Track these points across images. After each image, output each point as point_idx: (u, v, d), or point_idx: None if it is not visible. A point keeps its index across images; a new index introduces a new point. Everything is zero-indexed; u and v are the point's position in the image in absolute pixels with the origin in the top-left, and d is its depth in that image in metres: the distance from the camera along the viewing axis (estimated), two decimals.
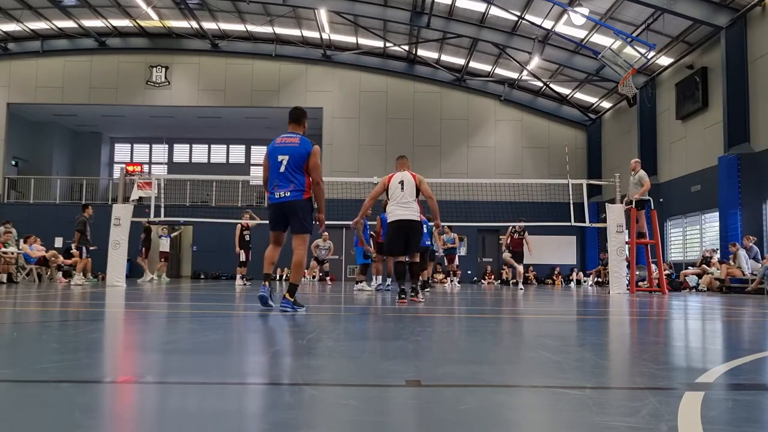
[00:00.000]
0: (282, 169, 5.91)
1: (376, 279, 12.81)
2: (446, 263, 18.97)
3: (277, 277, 19.69)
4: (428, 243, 12.26)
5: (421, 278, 12.73)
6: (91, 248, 14.72)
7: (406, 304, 7.25)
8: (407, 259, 8.08)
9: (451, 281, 19.06)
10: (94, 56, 25.92)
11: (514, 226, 15.38)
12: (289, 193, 5.89)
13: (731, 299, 11.26)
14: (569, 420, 1.83)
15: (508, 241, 15.49)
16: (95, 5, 22.57)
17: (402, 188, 7.68)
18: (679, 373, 2.78)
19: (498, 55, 23.28)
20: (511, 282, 15.94)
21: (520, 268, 15.60)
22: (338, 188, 19.93)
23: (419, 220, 7.81)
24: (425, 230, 10.94)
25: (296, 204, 5.88)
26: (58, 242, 21.98)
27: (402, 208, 7.68)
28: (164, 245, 19.48)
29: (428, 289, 12.34)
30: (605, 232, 14.15)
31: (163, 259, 19.51)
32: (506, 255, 15.84)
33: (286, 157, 5.92)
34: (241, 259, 15.25)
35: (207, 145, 31.27)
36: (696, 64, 18.27)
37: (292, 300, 5.78)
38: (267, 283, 6.04)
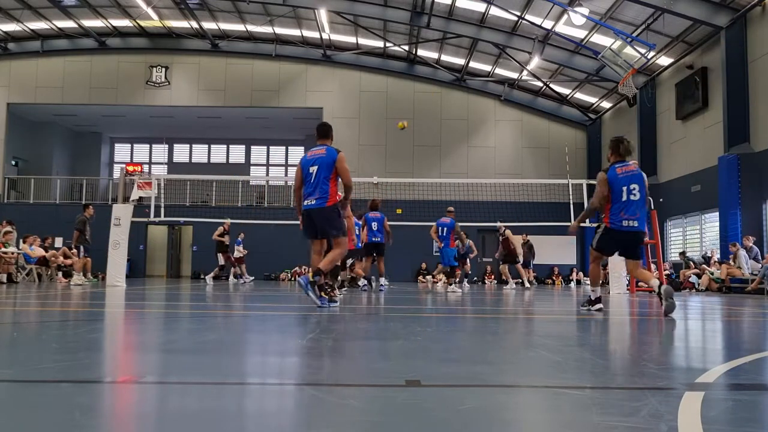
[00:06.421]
0: (312, 179, 6.43)
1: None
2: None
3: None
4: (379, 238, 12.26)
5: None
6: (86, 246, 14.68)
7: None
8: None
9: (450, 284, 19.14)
10: (94, 56, 25.90)
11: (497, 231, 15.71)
12: (314, 201, 6.43)
13: (731, 299, 11.26)
14: (569, 420, 1.83)
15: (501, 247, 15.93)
16: (95, 5, 22.56)
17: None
18: (679, 373, 2.78)
19: (498, 55, 23.27)
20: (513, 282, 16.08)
21: (505, 269, 16.11)
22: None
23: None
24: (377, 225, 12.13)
25: (321, 211, 6.42)
26: (58, 242, 21.95)
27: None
28: (239, 250, 19.36)
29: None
30: None
31: (237, 263, 19.31)
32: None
33: (316, 168, 6.44)
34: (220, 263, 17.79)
35: (207, 145, 31.24)
36: (696, 64, 18.26)
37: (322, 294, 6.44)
38: (311, 274, 6.44)
